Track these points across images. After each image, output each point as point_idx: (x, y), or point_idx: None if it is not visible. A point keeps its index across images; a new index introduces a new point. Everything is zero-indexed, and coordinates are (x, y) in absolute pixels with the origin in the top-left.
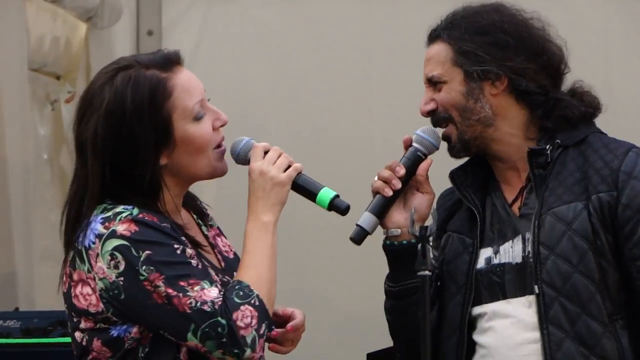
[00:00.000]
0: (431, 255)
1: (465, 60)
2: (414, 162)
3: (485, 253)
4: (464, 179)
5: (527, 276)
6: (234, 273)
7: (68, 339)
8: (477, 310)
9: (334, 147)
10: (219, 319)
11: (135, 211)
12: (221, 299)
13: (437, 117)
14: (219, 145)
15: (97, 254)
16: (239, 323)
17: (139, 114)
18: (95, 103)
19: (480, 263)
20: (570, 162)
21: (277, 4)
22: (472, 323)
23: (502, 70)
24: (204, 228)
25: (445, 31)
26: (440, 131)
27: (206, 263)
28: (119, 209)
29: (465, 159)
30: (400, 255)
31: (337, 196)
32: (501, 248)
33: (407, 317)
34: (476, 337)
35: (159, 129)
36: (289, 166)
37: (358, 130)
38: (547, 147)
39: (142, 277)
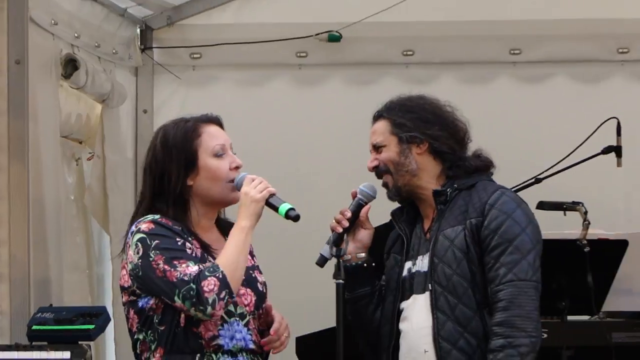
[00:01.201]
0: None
1: (398, 130)
2: (357, 207)
3: (408, 265)
4: (400, 216)
5: (426, 278)
6: (246, 274)
7: (89, 326)
8: (402, 305)
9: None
10: (192, 284)
11: (157, 216)
12: (195, 272)
13: (379, 170)
14: (232, 181)
15: (129, 245)
16: (205, 288)
17: (175, 146)
18: (153, 142)
19: (404, 272)
20: (460, 200)
21: (240, 91)
22: (399, 315)
23: (424, 136)
24: None
25: (385, 111)
26: (380, 182)
27: (211, 258)
28: (149, 216)
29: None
30: (351, 272)
31: (291, 209)
32: (417, 261)
33: (361, 315)
34: (401, 325)
35: (187, 158)
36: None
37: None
38: (447, 189)
39: (151, 259)
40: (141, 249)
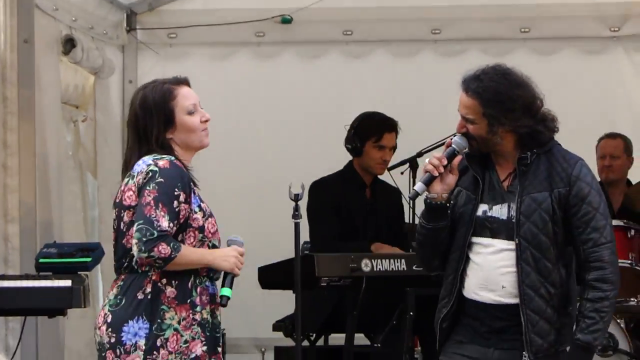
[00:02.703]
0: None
1: (490, 118)
2: (451, 155)
3: (483, 207)
4: (472, 157)
5: (508, 229)
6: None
7: (86, 259)
8: (474, 240)
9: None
10: (155, 232)
11: (173, 158)
12: (166, 231)
13: (468, 135)
14: (204, 130)
15: (142, 172)
16: (159, 247)
17: (155, 107)
18: (134, 100)
19: (479, 212)
20: (541, 165)
21: (209, 64)
22: (469, 246)
23: (509, 125)
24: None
25: (477, 92)
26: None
27: (199, 202)
28: (166, 156)
29: None
30: (435, 209)
31: (227, 297)
32: (494, 207)
33: (436, 241)
34: (472, 256)
35: (166, 116)
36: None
37: None
38: (529, 154)
39: (148, 188)
40: (149, 178)
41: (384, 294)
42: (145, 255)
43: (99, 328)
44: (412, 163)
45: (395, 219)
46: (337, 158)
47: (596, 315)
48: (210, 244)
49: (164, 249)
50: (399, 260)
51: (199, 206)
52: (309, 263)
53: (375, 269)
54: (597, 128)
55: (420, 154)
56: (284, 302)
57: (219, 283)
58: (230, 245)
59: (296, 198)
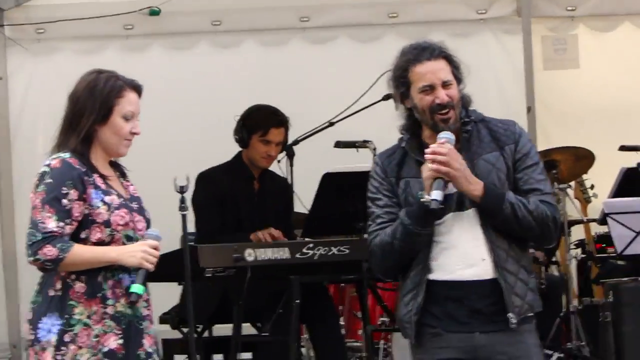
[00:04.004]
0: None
1: (457, 72)
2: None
3: None
4: (411, 144)
5: (468, 199)
6: (134, 203)
7: None
8: (437, 222)
9: None
10: (39, 235)
11: (67, 155)
12: (52, 232)
13: (448, 105)
14: (128, 139)
15: (38, 173)
16: (44, 250)
17: (100, 96)
18: (85, 78)
19: None
20: (481, 130)
21: (78, 58)
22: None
23: (462, 78)
24: (122, 180)
25: (444, 52)
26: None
27: (102, 196)
28: (62, 154)
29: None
30: (433, 213)
31: (136, 294)
32: (448, 184)
33: (417, 245)
34: (439, 238)
35: (103, 110)
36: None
37: None
38: (472, 120)
39: (37, 190)
40: (40, 179)
41: (269, 283)
42: (32, 258)
43: (24, 325)
44: (289, 151)
45: (283, 209)
46: (211, 148)
47: (523, 206)
48: (123, 236)
49: (49, 250)
50: (282, 248)
51: (102, 200)
52: (193, 254)
53: (258, 259)
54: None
55: (295, 142)
56: (166, 294)
57: None
58: (146, 239)
59: (181, 190)
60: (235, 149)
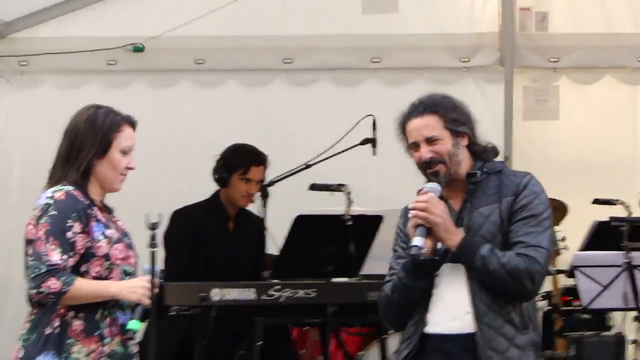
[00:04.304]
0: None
1: (451, 125)
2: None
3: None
4: None
5: None
6: (126, 239)
7: None
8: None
9: None
10: (42, 267)
11: (71, 188)
12: (56, 265)
13: (433, 160)
14: (123, 174)
15: (40, 205)
16: (48, 282)
17: (100, 130)
18: (82, 113)
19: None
20: (491, 182)
21: (61, 93)
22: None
23: (467, 130)
24: (111, 216)
25: (434, 107)
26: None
27: (104, 229)
28: (65, 187)
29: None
30: (422, 265)
31: (132, 330)
32: None
33: (415, 297)
34: (434, 291)
35: (103, 144)
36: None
37: None
38: (478, 172)
39: (42, 222)
40: (43, 211)
41: (233, 323)
42: (35, 291)
43: None
44: (263, 192)
45: (256, 248)
46: (189, 186)
47: (495, 260)
48: (121, 271)
49: (53, 283)
50: (249, 289)
51: (103, 234)
52: (158, 291)
53: (224, 298)
54: None
55: (271, 183)
56: None
57: None
58: (145, 274)
59: (152, 227)
60: (213, 188)
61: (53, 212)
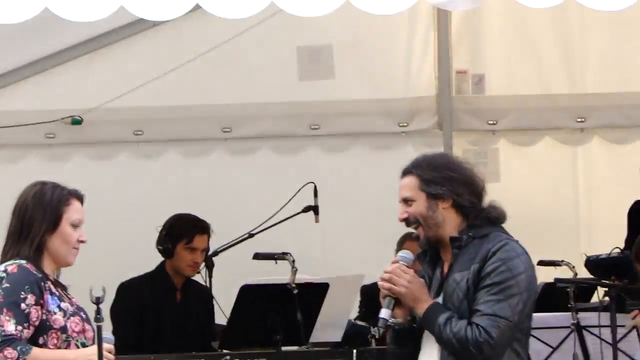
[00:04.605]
0: None
1: (426, 187)
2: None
3: None
4: (423, 259)
5: None
6: (82, 313)
7: None
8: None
9: None
10: None
11: (24, 262)
12: (11, 335)
13: (408, 221)
14: (76, 248)
15: None
16: (5, 352)
17: (49, 205)
18: (30, 191)
19: None
20: (472, 247)
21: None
22: None
23: (448, 192)
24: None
25: (413, 168)
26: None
27: (59, 302)
28: (17, 261)
29: None
30: (402, 332)
31: None
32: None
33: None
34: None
35: (53, 219)
36: None
37: None
38: (463, 236)
39: None
40: None
41: None
42: None
43: None
44: (208, 262)
45: (205, 319)
46: (132, 258)
47: (449, 329)
48: (78, 343)
49: (9, 353)
50: None
51: (58, 306)
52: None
53: None
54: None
55: (215, 253)
56: None
57: None
58: (103, 339)
59: (97, 301)
60: (157, 259)
61: (6, 285)
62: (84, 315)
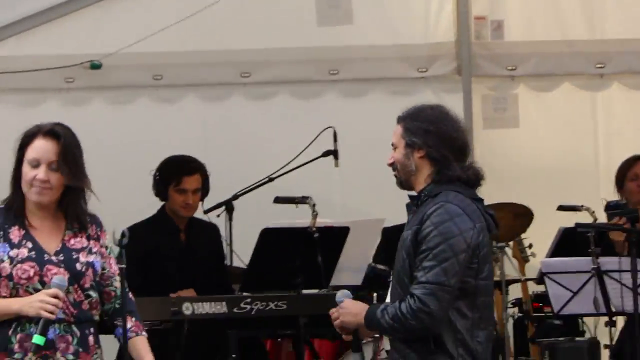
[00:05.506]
0: None
1: (406, 135)
2: None
3: None
4: (410, 208)
5: None
6: (60, 256)
7: None
8: None
9: None
10: None
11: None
12: None
13: (392, 166)
14: (32, 187)
15: None
16: None
17: (16, 148)
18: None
19: None
20: (423, 207)
21: (19, 111)
22: None
23: (422, 143)
24: (70, 230)
25: (401, 117)
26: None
27: (9, 249)
28: None
29: None
30: None
31: (35, 344)
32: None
33: None
34: None
35: (17, 160)
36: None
37: None
38: (421, 194)
39: None
40: None
41: (206, 337)
42: None
43: None
44: (228, 206)
45: (214, 256)
46: (150, 202)
47: (388, 317)
48: (30, 289)
49: None
50: (220, 303)
51: (7, 254)
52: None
53: (196, 312)
54: None
55: (235, 197)
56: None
57: None
58: (51, 287)
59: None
60: None
61: None
62: (56, 259)
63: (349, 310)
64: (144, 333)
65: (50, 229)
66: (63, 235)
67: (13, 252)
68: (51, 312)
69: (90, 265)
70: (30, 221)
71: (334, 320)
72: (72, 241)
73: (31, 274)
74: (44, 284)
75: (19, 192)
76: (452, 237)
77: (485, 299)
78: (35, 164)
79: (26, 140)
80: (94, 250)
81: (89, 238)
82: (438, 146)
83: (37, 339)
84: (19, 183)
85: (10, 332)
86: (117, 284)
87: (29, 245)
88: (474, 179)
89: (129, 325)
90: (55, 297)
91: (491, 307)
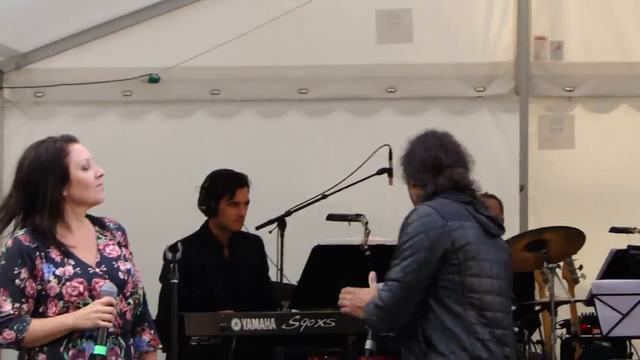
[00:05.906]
0: None
1: (404, 170)
2: None
3: None
4: None
5: None
6: (102, 267)
7: None
8: None
9: None
10: None
11: (22, 232)
12: (8, 316)
13: None
14: (98, 185)
15: None
16: (3, 334)
17: (50, 164)
18: (25, 160)
19: None
20: None
21: (77, 123)
22: None
23: (409, 176)
24: (101, 239)
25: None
26: None
27: (54, 269)
28: (19, 232)
29: None
30: None
31: (98, 354)
32: None
33: None
34: None
35: (61, 173)
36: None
37: None
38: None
39: None
40: None
41: (253, 353)
42: None
43: None
44: (281, 222)
45: (258, 269)
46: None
47: (368, 315)
48: (81, 305)
49: (7, 334)
50: (268, 319)
51: (54, 274)
52: (179, 322)
53: (245, 328)
54: None
55: (288, 213)
56: None
57: None
58: (101, 297)
59: (173, 259)
60: None
61: (3, 262)
62: (100, 271)
63: (360, 296)
64: (159, 347)
65: (84, 241)
66: (97, 245)
67: (59, 271)
68: (108, 321)
69: (129, 272)
70: (63, 239)
71: (342, 306)
72: (107, 250)
73: (81, 289)
74: (93, 298)
75: (55, 212)
76: (415, 235)
77: (484, 297)
78: (87, 166)
79: (61, 153)
80: (127, 257)
81: (119, 245)
82: (417, 172)
83: (100, 349)
84: (55, 202)
85: (61, 349)
86: (141, 291)
87: (72, 262)
88: (461, 183)
89: (147, 338)
90: (110, 304)
91: (500, 306)
